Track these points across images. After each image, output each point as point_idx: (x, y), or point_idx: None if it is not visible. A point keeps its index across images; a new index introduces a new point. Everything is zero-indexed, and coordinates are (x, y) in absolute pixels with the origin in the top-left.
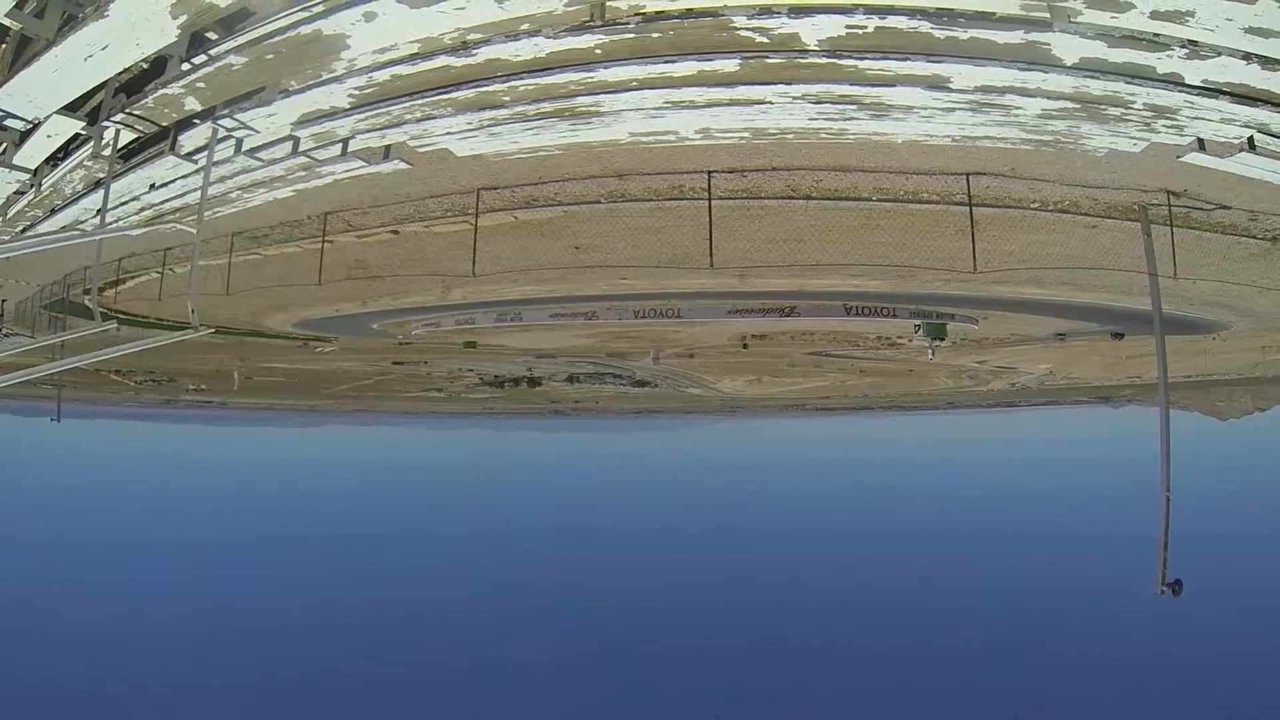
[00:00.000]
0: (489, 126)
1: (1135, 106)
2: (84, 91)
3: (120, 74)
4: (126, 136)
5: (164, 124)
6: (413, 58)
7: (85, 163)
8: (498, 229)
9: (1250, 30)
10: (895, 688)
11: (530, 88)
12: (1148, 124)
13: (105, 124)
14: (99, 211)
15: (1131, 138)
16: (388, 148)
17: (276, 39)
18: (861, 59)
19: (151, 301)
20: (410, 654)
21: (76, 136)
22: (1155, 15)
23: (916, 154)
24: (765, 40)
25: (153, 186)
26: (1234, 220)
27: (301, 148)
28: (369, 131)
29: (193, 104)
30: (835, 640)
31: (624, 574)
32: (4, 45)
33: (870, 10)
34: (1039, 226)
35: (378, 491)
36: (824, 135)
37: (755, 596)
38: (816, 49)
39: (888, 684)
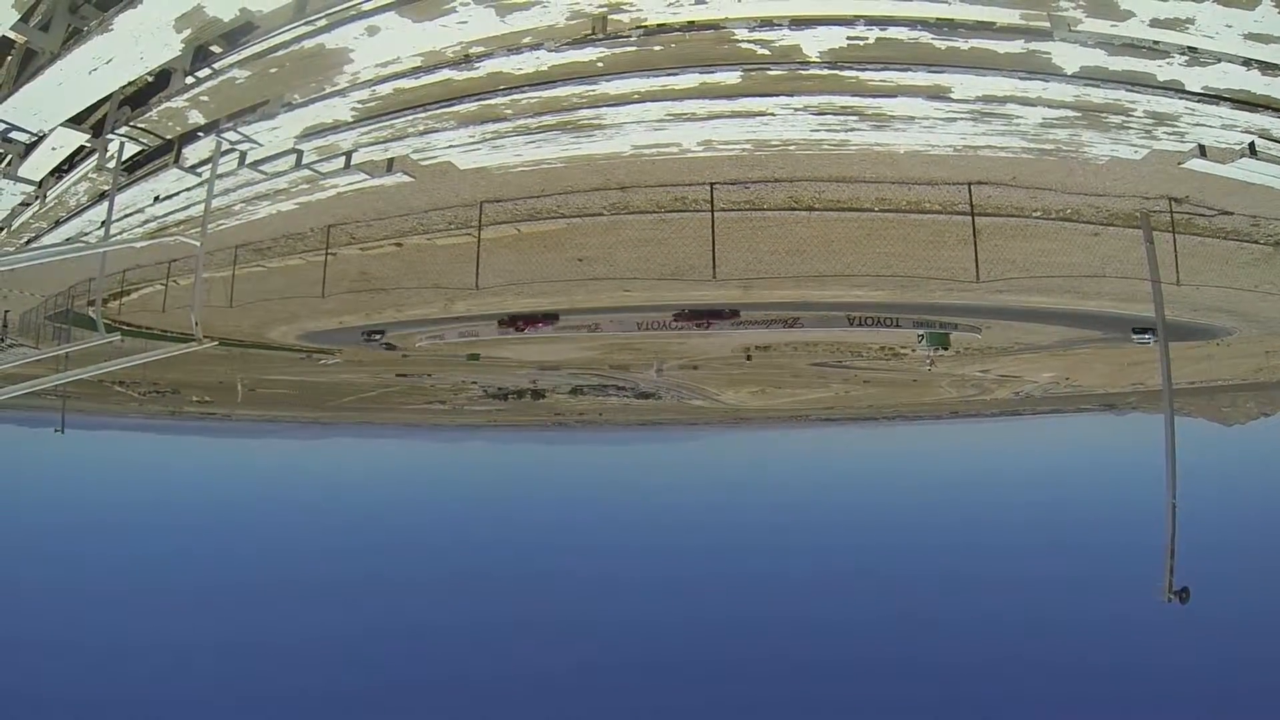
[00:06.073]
0: (491, 139)
1: (1136, 114)
2: (89, 104)
3: (125, 87)
4: (131, 149)
5: (168, 137)
6: (415, 71)
7: (90, 175)
8: (501, 241)
9: (1250, 36)
10: (902, 698)
11: (532, 101)
12: (1149, 131)
13: (110, 137)
14: (103, 224)
15: (1133, 145)
16: (390, 161)
17: (280, 53)
18: (863, 70)
19: (155, 313)
20: (413, 665)
21: (81, 149)
22: (1155, 23)
23: (918, 164)
24: (767, 52)
25: (157, 199)
26: (1236, 226)
27: (305, 161)
28: (372, 145)
29: (196, 117)
30: (840, 651)
31: (627, 586)
32: (9, 58)
33: (871, 22)
34: (1041, 235)
35: (382, 504)
36: (826, 146)
37: (760, 609)
38: (818, 61)
39: (894, 694)
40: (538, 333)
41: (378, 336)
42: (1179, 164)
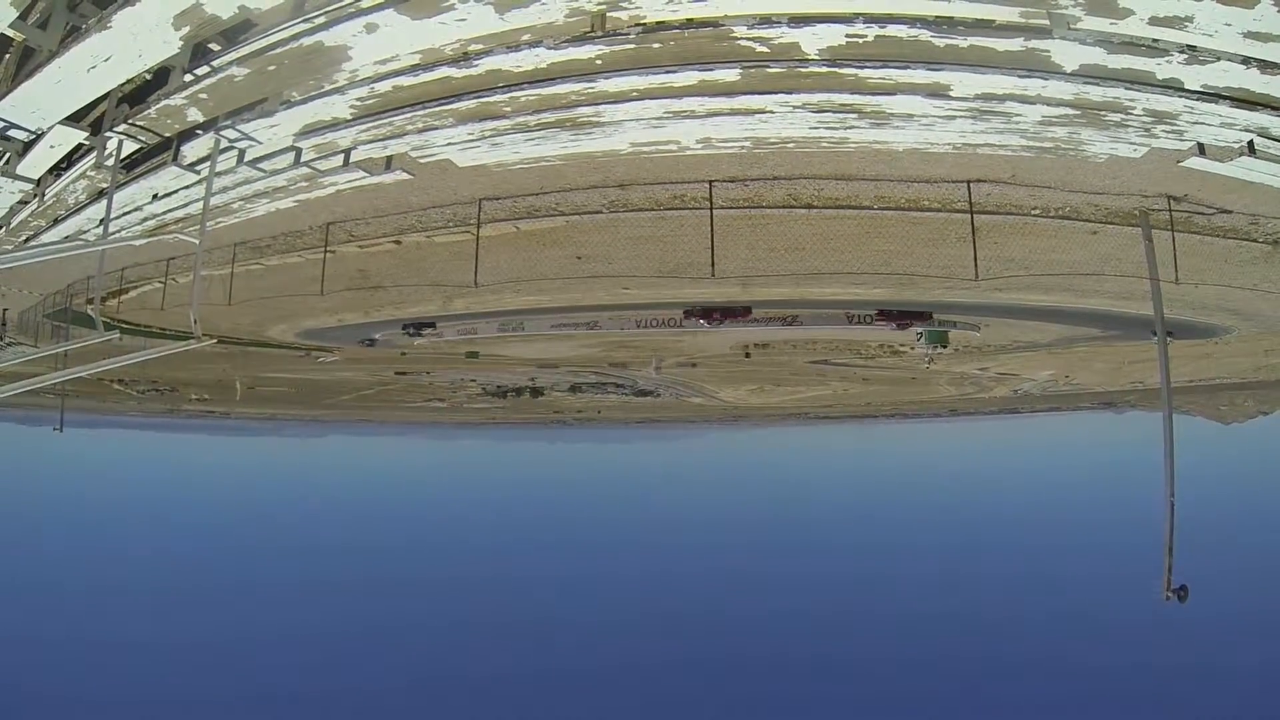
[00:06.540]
0: (490, 137)
1: (1135, 112)
2: (87, 102)
3: (123, 85)
4: (129, 147)
5: (167, 134)
6: (414, 69)
7: (88, 173)
8: (499, 239)
9: (1250, 35)
10: (900, 696)
11: (531, 98)
12: (1148, 129)
13: (108, 134)
14: (102, 221)
15: (1132, 143)
16: (389, 158)
17: (279, 50)
18: (862, 68)
19: (154, 311)
20: (411, 664)
21: (79, 147)
22: (1154, 21)
23: (917, 162)
24: (766, 50)
25: (155, 197)
26: (1235, 224)
27: (303, 158)
28: (371, 142)
29: (195, 115)
30: (838, 650)
31: (626, 584)
32: (7, 56)
33: (870, 19)
34: (1040, 233)
35: (380, 502)
36: (825, 144)
37: (758, 607)
38: (817, 58)
39: (893, 692)
40: (726, 327)
41: (429, 330)
42: (1178, 162)
